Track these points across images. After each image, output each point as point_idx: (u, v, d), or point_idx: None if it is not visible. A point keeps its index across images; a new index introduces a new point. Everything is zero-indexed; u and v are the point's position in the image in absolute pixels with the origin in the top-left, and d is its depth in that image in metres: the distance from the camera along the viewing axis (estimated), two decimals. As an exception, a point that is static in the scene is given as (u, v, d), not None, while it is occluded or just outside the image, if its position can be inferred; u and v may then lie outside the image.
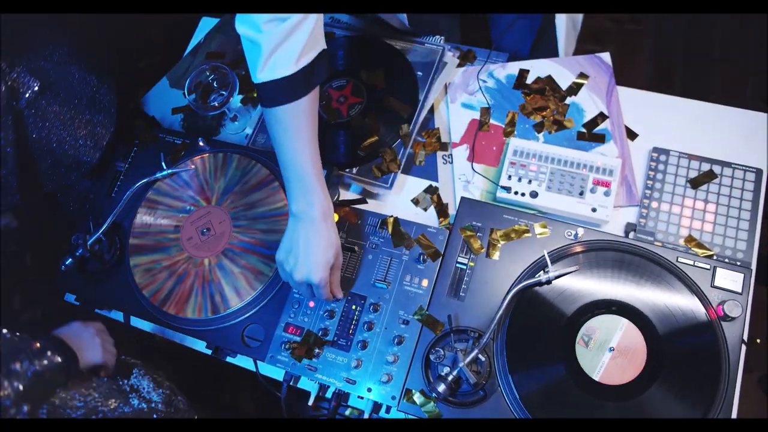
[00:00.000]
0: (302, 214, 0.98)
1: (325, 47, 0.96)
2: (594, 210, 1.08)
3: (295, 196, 0.98)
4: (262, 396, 1.88)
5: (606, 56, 1.23)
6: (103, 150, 1.26)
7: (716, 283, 0.94)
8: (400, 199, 1.21)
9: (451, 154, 1.22)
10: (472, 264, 1.03)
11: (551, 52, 1.32)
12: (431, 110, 1.27)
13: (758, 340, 1.73)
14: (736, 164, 1.09)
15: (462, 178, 1.19)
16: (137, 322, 1.21)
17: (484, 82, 1.27)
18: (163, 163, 1.22)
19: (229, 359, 1.15)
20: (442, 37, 1.31)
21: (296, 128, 0.96)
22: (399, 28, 1.32)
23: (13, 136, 1.11)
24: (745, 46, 2.13)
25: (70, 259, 1.17)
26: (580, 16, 1.34)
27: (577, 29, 1.35)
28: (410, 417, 0.99)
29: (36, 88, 1.11)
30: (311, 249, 0.97)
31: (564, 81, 1.23)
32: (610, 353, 0.92)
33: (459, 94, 1.27)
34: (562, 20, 1.28)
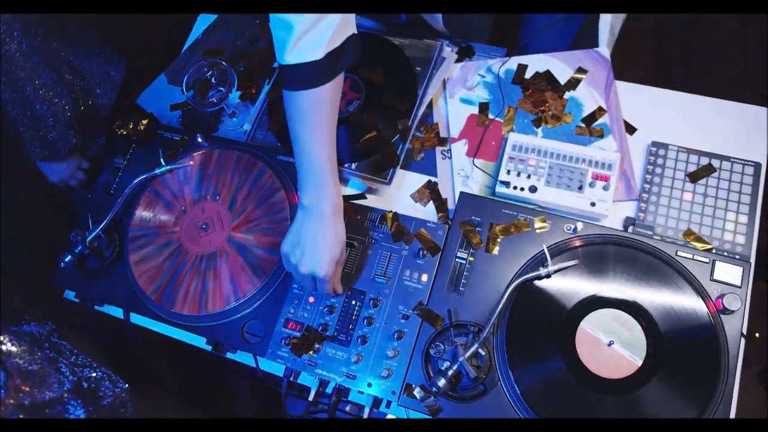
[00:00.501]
0: (312, 208, 0.97)
1: (356, 32, 0.95)
2: (593, 204, 1.08)
3: (306, 189, 0.98)
4: (262, 392, 1.88)
5: (604, 51, 1.23)
6: (116, 94, 1.37)
7: (715, 277, 0.94)
8: (399, 194, 1.21)
9: (450, 150, 1.22)
10: (471, 259, 1.03)
11: None
12: (430, 105, 1.27)
13: (757, 335, 1.73)
14: (734, 158, 1.09)
15: (461, 173, 1.19)
16: (137, 319, 1.21)
17: (483, 77, 1.27)
18: (162, 160, 1.22)
19: (229, 355, 1.15)
20: (445, 40, 1.31)
21: (315, 117, 0.95)
22: (436, 28, 1.31)
23: (64, 88, 1.22)
24: (745, 46, 2.13)
25: (69, 256, 1.17)
26: (620, 20, 1.28)
27: (615, 34, 1.30)
28: (411, 414, 0.99)
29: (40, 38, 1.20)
30: (319, 244, 0.96)
31: (562, 76, 1.22)
32: (608, 347, 0.92)
33: (457, 89, 1.27)
34: (606, 23, 1.24)
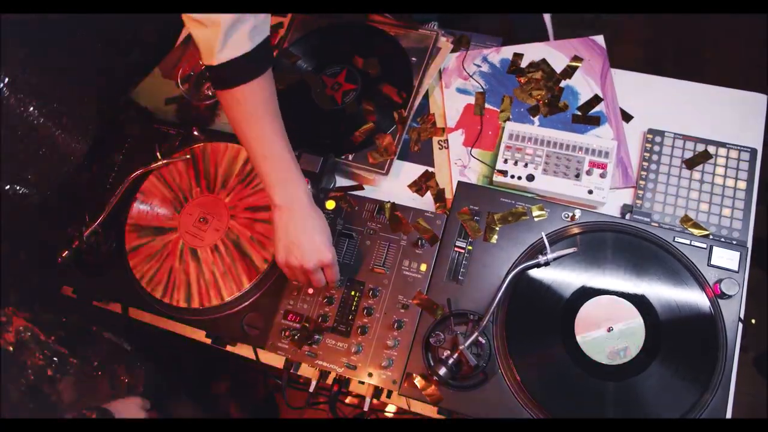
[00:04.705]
0: (290, 202, 0.97)
1: (269, 35, 0.95)
2: (590, 192, 1.08)
3: (277, 188, 0.97)
4: (262, 384, 1.88)
5: (600, 39, 1.23)
6: (90, 141, 1.25)
7: (713, 262, 0.95)
8: (396, 184, 1.21)
9: (447, 139, 1.22)
10: (470, 248, 1.03)
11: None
12: (426, 96, 1.27)
13: (753, 321, 1.75)
14: (730, 144, 1.09)
15: (458, 163, 1.19)
16: (135, 314, 1.20)
17: (479, 66, 1.26)
18: (158, 153, 1.21)
19: (228, 348, 1.15)
20: (436, 23, 1.31)
21: (262, 110, 0.94)
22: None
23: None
24: (738, 32, 2.13)
25: (66, 252, 1.16)
26: None
27: None
28: (411, 414, 1.00)
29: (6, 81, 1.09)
30: (312, 232, 0.96)
31: (558, 64, 1.23)
32: (607, 333, 0.92)
33: (453, 79, 1.27)
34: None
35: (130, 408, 1.05)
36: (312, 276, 0.99)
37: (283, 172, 0.96)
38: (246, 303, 1.09)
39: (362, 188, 1.18)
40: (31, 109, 1.15)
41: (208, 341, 1.15)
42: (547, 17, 1.31)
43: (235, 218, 1.15)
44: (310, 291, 1.07)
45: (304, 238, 0.96)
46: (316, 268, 0.98)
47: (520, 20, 1.37)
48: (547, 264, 0.97)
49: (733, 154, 1.09)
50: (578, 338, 0.93)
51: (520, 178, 1.12)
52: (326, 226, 0.99)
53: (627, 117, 1.17)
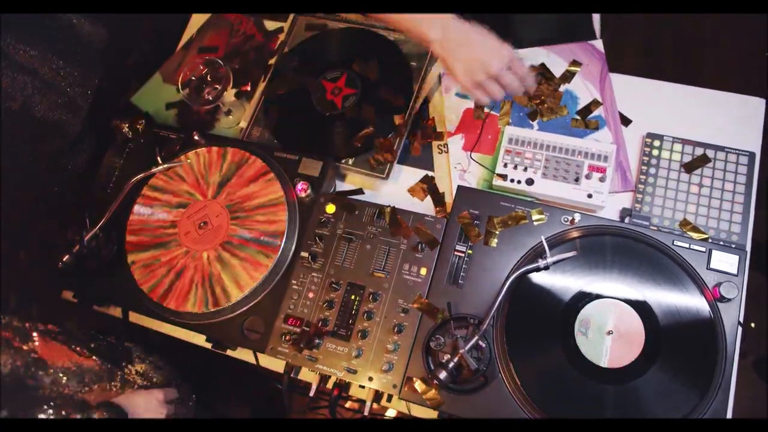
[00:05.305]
0: (447, 27, 1.00)
1: None
2: (590, 196, 1.08)
3: (428, 21, 1.01)
4: (262, 389, 1.88)
5: (598, 43, 1.23)
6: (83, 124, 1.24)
7: (712, 266, 0.95)
8: (396, 189, 1.22)
9: (447, 144, 1.23)
10: (470, 252, 1.03)
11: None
12: (426, 100, 1.27)
13: (753, 325, 1.75)
14: (729, 148, 1.10)
15: (458, 167, 1.20)
16: (135, 318, 1.21)
17: (478, 71, 1.27)
18: (158, 158, 1.21)
19: (229, 352, 1.15)
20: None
21: None
22: None
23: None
24: (736, 34, 2.14)
25: (67, 256, 1.16)
26: None
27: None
28: (411, 414, 1.00)
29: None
30: (482, 37, 0.99)
31: (557, 69, 1.23)
32: (609, 336, 0.92)
33: (453, 83, 1.27)
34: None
35: (149, 403, 1.01)
36: (503, 80, 1.01)
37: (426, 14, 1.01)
38: (246, 307, 1.09)
39: (362, 192, 1.19)
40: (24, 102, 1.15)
41: (209, 345, 1.15)
42: (596, 17, 1.31)
43: (235, 222, 1.15)
44: (311, 294, 1.06)
45: (478, 48, 0.99)
46: (504, 69, 1.00)
47: (570, 20, 1.37)
48: (546, 268, 0.97)
49: (732, 157, 1.09)
50: (578, 341, 0.93)
51: (519, 182, 1.12)
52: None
53: (626, 121, 1.18)
